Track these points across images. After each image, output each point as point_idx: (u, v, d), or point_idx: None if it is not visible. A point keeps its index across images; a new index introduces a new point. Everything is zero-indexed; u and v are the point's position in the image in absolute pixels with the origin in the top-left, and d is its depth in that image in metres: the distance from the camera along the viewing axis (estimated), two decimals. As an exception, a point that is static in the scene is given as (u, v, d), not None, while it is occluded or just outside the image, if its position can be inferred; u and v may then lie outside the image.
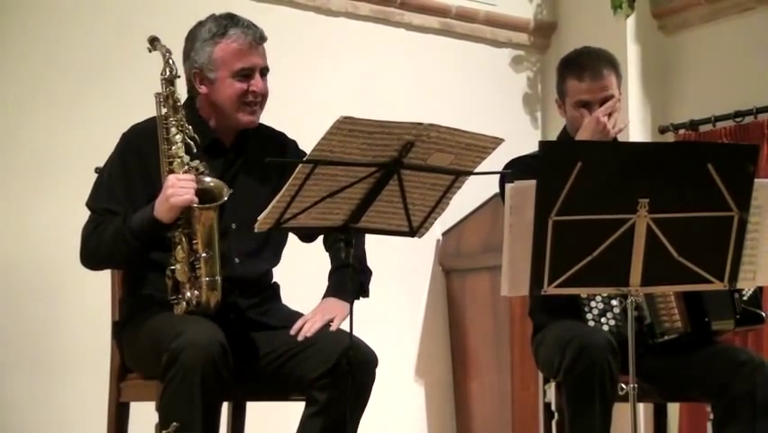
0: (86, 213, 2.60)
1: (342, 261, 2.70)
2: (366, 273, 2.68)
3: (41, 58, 3.61)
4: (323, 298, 2.66)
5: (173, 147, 2.49)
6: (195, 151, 2.50)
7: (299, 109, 3.71)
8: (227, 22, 2.61)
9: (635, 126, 4.51)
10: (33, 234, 3.53)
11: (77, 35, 3.68)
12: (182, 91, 2.64)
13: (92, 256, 2.55)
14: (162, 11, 3.82)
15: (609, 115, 2.84)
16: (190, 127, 2.51)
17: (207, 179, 2.48)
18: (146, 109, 2.70)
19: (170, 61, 2.54)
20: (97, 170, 2.69)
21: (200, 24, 2.64)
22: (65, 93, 3.64)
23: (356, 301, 2.44)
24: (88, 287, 3.27)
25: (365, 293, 2.70)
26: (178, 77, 2.55)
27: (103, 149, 2.71)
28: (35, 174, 3.56)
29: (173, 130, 2.49)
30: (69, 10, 3.68)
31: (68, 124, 3.63)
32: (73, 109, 3.64)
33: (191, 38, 2.63)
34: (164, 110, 2.52)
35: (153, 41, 2.57)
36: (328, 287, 2.68)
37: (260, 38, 2.62)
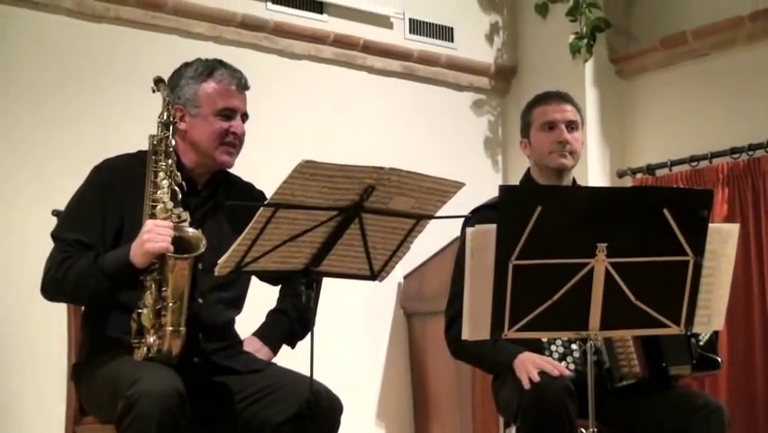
0: (43, 252, 2.54)
1: (282, 306, 2.74)
2: (303, 325, 2.68)
3: None
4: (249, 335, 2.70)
5: (159, 191, 2.46)
6: (180, 198, 2.48)
7: (261, 152, 3.71)
8: (214, 64, 2.64)
9: (594, 170, 4.57)
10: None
11: (33, 76, 3.66)
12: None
13: (55, 288, 2.49)
14: (123, 55, 3.83)
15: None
16: (179, 174, 2.49)
17: (188, 228, 2.44)
18: (104, 153, 2.68)
19: (170, 106, 2.52)
20: (55, 212, 2.66)
21: (187, 65, 2.65)
22: (23, 132, 3.61)
23: (308, 347, 2.36)
24: (44, 327, 3.22)
25: (291, 344, 2.72)
26: (175, 122, 2.54)
27: (60, 189, 2.69)
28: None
29: (161, 174, 2.47)
30: (33, 51, 3.67)
31: (26, 164, 3.60)
32: (31, 148, 3.61)
33: (176, 76, 2.64)
34: (155, 153, 2.49)
35: (158, 83, 2.55)
36: (259, 327, 2.72)
37: (244, 84, 2.65)
